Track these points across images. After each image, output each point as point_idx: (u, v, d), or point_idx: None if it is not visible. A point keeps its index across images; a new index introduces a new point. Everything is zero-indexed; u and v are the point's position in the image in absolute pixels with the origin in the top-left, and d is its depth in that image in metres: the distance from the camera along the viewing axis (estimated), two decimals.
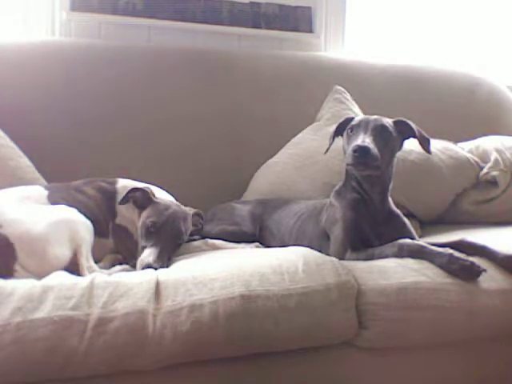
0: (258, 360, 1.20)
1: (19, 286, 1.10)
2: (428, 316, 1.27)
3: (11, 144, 1.68)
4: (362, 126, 1.43)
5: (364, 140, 1.36)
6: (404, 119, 1.49)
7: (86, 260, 1.36)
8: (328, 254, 1.38)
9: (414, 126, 1.48)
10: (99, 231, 1.47)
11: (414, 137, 1.49)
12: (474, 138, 2.11)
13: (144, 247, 1.42)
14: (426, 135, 1.51)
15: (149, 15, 2.18)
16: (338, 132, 1.54)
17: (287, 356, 1.22)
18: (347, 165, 1.41)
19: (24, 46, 1.96)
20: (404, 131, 1.48)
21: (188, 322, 1.11)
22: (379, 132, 1.41)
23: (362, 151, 1.33)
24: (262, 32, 2.35)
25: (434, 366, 1.34)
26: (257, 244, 1.65)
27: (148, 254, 1.38)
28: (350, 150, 1.37)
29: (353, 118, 1.50)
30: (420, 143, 1.50)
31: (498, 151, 1.96)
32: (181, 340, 1.10)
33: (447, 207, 1.95)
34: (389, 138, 1.43)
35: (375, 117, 1.46)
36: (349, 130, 1.46)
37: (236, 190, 1.98)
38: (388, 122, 1.45)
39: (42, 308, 1.06)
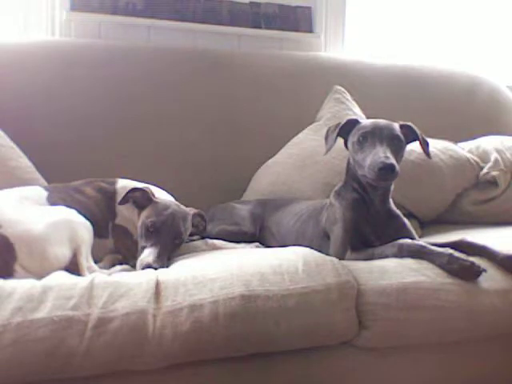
0: (258, 360, 1.20)
1: (19, 286, 1.11)
2: (428, 316, 1.27)
3: (11, 144, 1.68)
4: (377, 134, 1.40)
5: (387, 155, 1.34)
6: (409, 124, 1.49)
7: (86, 260, 1.36)
8: (328, 254, 1.38)
9: (417, 130, 1.49)
10: (99, 231, 1.48)
11: (417, 140, 1.50)
12: (474, 138, 2.11)
13: (144, 247, 1.42)
14: (426, 139, 1.52)
15: (149, 15, 2.19)
16: (340, 134, 1.52)
17: (287, 356, 1.22)
18: (365, 177, 1.40)
19: (24, 45, 1.96)
20: (408, 135, 1.48)
21: (188, 322, 1.11)
22: (394, 143, 1.40)
23: (388, 169, 1.32)
24: (262, 32, 2.35)
25: (433, 366, 1.34)
26: (257, 244, 1.65)
27: (148, 254, 1.38)
28: (372, 164, 1.34)
29: (356, 121, 1.50)
30: (422, 147, 1.51)
31: (498, 151, 1.96)
32: (181, 340, 1.10)
33: (447, 207, 1.95)
34: (401, 148, 1.43)
35: (385, 123, 1.45)
36: (360, 137, 1.42)
37: (236, 190, 1.98)
38: (398, 129, 1.45)
39: (41, 308, 1.06)
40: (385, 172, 1.33)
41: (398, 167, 1.35)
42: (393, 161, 1.34)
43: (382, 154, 1.35)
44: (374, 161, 1.35)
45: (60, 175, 1.66)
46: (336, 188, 1.56)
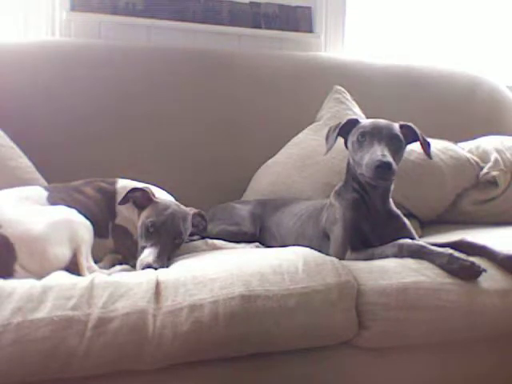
0: (258, 360, 1.20)
1: (19, 286, 1.11)
2: (428, 316, 1.27)
3: (11, 144, 1.68)
4: (376, 134, 1.40)
5: (384, 154, 1.34)
6: (409, 124, 1.49)
7: (86, 260, 1.36)
8: (328, 254, 1.38)
9: (417, 130, 1.49)
10: (99, 231, 1.48)
11: (418, 141, 1.50)
12: (474, 138, 2.11)
13: (144, 247, 1.42)
14: (426, 139, 1.52)
15: (149, 15, 2.19)
16: (341, 134, 1.52)
17: (287, 356, 1.22)
18: (363, 175, 1.40)
19: (24, 45, 1.96)
20: (408, 135, 1.48)
21: (188, 322, 1.11)
22: (393, 142, 1.41)
23: (385, 167, 1.32)
24: (262, 32, 2.35)
25: (433, 365, 1.35)
26: (257, 244, 1.65)
27: (148, 254, 1.38)
28: (369, 162, 1.35)
29: (356, 120, 1.50)
30: (423, 148, 1.51)
31: (498, 151, 1.96)
32: (181, 340, 1.10)
33: (447, 207, 1.95)
34: (400, 147, 1.43)
35: (385, 123, 1.45)
36: (359, 136, 1.43)
37: (236, 190, 1.98)
38: (398, 129, 1.45)
39: (41, 308, 1.06)
40: (382, 170, 1.33)
41: (395, 165, 1.35)
42: (390, 159, 1.34)
43: (379, 152, 1.35)
44: (371, 159, 1.35)
45: (60, 175, 1.66)
46: (336, 188, 1.56)
